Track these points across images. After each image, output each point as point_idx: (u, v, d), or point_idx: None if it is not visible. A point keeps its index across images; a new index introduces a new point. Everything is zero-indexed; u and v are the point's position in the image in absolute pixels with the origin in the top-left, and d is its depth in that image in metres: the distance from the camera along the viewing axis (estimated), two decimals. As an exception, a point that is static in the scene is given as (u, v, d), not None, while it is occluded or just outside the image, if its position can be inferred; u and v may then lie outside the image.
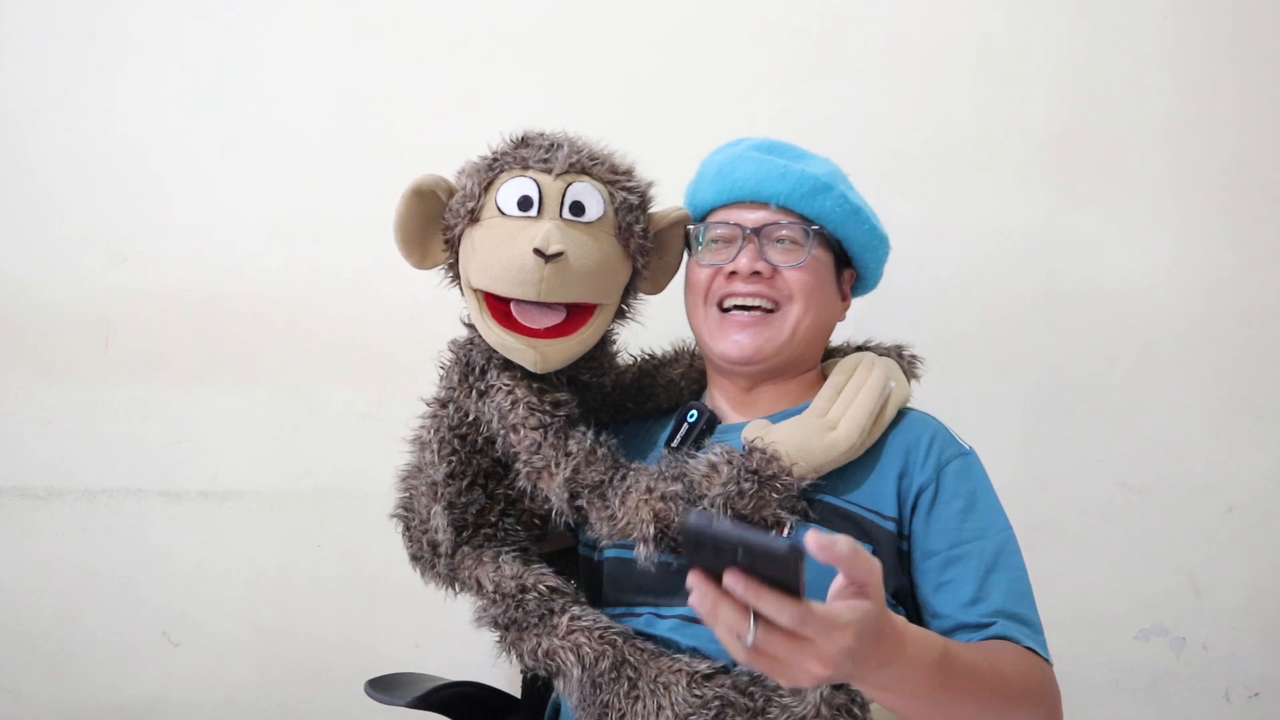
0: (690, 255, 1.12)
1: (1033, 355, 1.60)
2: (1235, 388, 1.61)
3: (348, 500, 1.60)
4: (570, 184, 0.99)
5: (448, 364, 1.08)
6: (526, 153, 1.01)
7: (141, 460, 1.59)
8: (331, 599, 1.61)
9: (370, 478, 1.60)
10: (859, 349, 1.16)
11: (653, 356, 1.20)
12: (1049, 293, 1.60)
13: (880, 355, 1.13)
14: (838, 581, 0.69)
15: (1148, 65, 1.61)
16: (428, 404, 1.08)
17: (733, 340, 1.05)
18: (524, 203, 0.98)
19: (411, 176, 1.55)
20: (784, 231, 1.05)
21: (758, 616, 0.64)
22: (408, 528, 1.11)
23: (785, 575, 0.62)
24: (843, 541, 0.66)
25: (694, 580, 0.65)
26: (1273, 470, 1.61)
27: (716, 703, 0.89)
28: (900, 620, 0.74)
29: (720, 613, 0.64)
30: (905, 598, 1.01)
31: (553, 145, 1.01)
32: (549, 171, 0.99)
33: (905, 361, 1.13)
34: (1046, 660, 0.94)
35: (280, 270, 1.59)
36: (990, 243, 1.60)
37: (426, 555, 1.09)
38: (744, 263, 1.04)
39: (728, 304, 1.07)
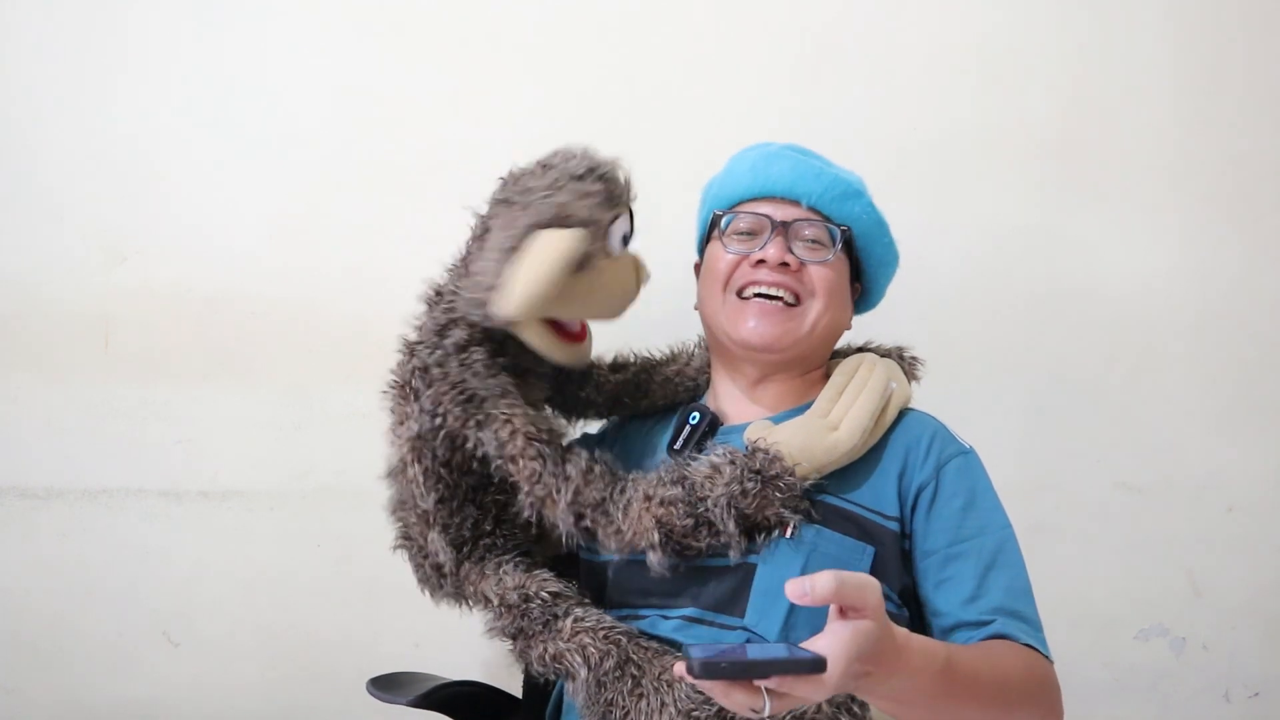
0: (714, 240, 1.13)
1: (1032, 355, 1.61)
2: (1235, 387, 1.61)
3: (348, 500, 1.60)
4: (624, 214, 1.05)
5: (433, 394, 1.02)
6: (617, 189, 1.03)
7: (141, 460, 1.59)
8: (331, 599, 1.61)
9: (370, 478, 1.60)
10: (859, 350, 1.16)
11: (651, 358, 1.22)
12: (1049, 292, 1.60)
13: (881, 357, 1.13)
14: (832, 611, 0.70)
15: (1148, 65, 1.61)
16: (399, 439, 1.05)
17: (751, 326, 1.05)
18: (626, 239, 1.05)
19: (413, 178, 1.57)
20: (812, 231, 1.07)
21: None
22: (410, 556, 1.12)
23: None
24: (820, 583, 0.67)
25: (702, 677, 0.67)
26: (1273, 470, 1.61)
27: None
28: (903, 634, 0.75)
29: (734, 699, 0.68)
30: (910, 597, 1.01)
31: (624, 178, 1.05)
32: (629, 203, 1.05)
33: (906, 363, 1.14)
34: (1047, 658, 0.94)
35: (280, 270, 1.59)
36: (990, 242, 1.60)
37: (432, 578, 1.09)
38: (773, 252, 1.05)
39: (749, 292, 1.07)
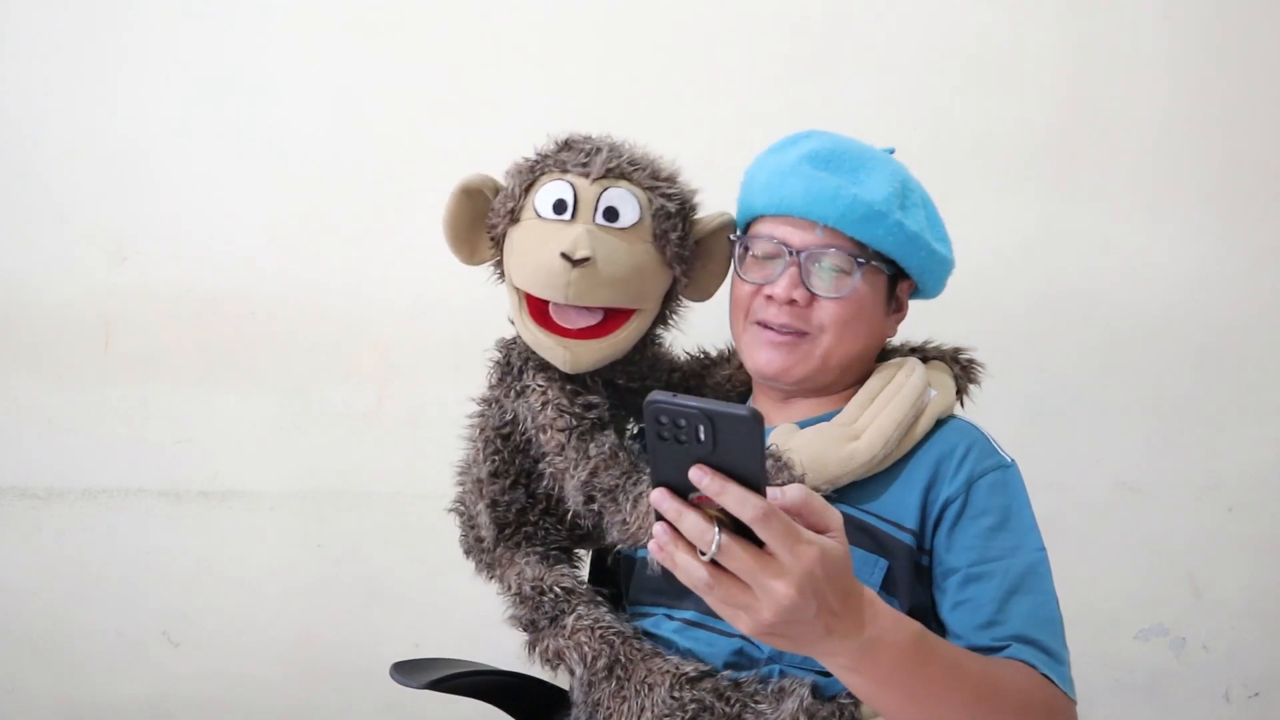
0: (734, 265, 1.08)
1: (1032, 355, 1.61)
2: (1235, 388, 1.61)
3: (348, 500, 1.60)
4: (606, 189, 0.98)
5: (493, 363, 1.08)
6: (567, 156, 1.01)
7: (141, 460, 1.59)
8: (331, 599, 1.61)
9: (370, 478, 1.62)
10: (913, 350, 1.12)
11: (706, 356, 1.18)
12: (1048, 292, 1.60)
13: (935, 358, 1.09)
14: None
15: (1146, 65, 1.61)
16: (477, 403, 1.09)
17: (764, 358, 1.03)
18: (559, 206, 0.98)
19: (412, 178, 1.57)
20: (831, 258, 1.00)
21: (722, 527, 0.63)
22: (460, 522, 1.14)
23: (748, 449, 0.62)
24: (790, 491, 0.65)
25: (658, 497, 0.64)
26: (1273, 470, 1.61)
27: (693, 706, 0.89)
28: (872, 592, 0.72)
29: (685, 523, 0.64)
30: (926, 616, 0.95)
31: (593, 149, 1.01)
32: (586, 175, 0.99)
33: (960, 366, 1.09)
34: (1067, 695, 0.87)
35: (280, 270, 1.59)
36: (989, 243, 1.59)
37: (475, 548, 1.11)
38: (782, 288, 0.99)
39: (765, 323, 1.03)
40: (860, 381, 1.05)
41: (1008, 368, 1.60)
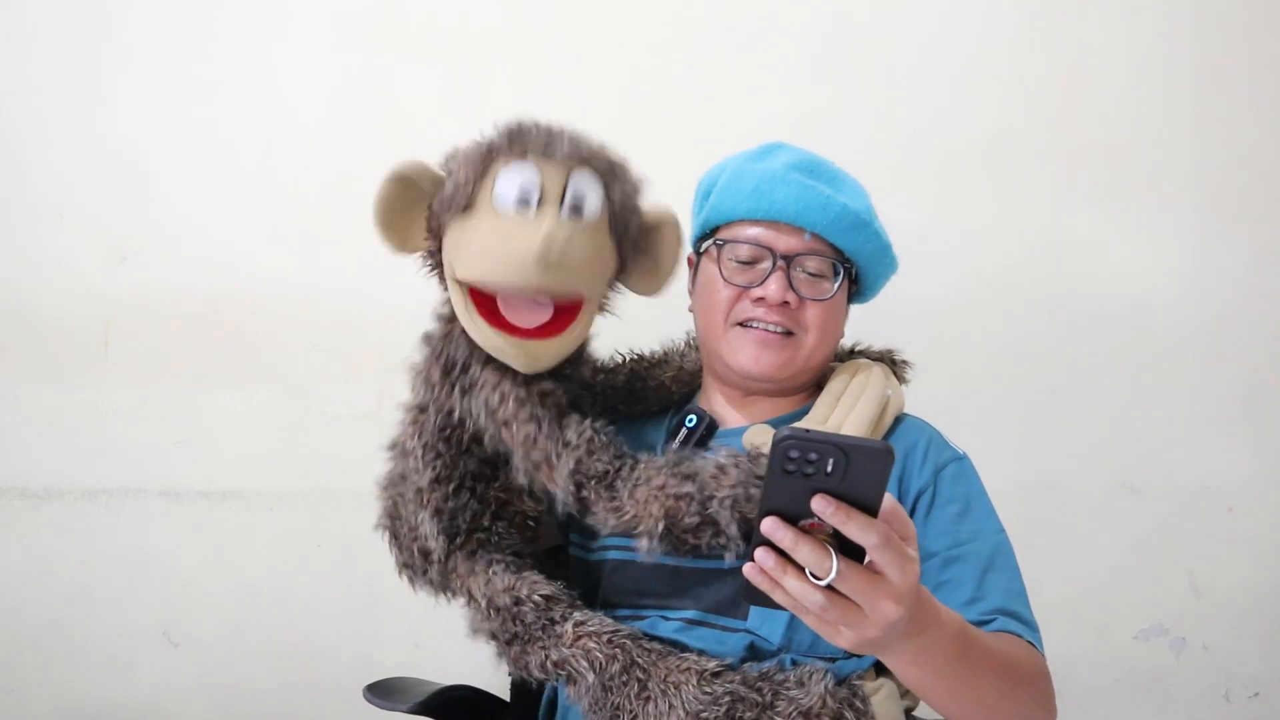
0: (709, 256, 1.08)
1: (1034, 356, 1.61)
2: (1235, 388, 1.61)
3: (348, 501, 1.59)
4: (570, 175, 0.95)
5: (422, 363, 1.04)
6: (526, 141, 0.96)
7: (141, 460, 1.59)
8: (331, 599, 1.61)
9: (370, 478, 1.61)
10: (850, 352, 1.16)
11: (642, 358, 1.18)
12: (1051, 294, 1.61)
13: (872, 360, 1.13)
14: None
15: (1151, 68, 1.61)
16: (406, 410, 1.05)
17: (751, 356, 1.05)
18: (524, 194, 0.93)
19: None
20: (815, 264, 1.04)
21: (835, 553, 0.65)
22: (395, 536, 1.08)
23: (872, 480, 0.64)
24: (889, 498, 0.68)
25: (770, 526, 0.65)
26: (1273, 471, 1.61)
27: (727, 698, 0.90)
28: (926, 589, 0.75)
29: (801, 551, 0.65)
30: None
31: (553, 133, 0.96)
32: (550, 158, 0.94)
33: (897, 366, 1.14)
34: (1044, 656, 0.95)
35: (280, 271, 1.59)
36: (991, 245, 1.60)
37: (417, 563, 1.05)
38: (774, 290, 1.03)
39: (749, 323, 1.06)
40: (817, 383, 1.11)
41: (1008, 368, 1.61)
